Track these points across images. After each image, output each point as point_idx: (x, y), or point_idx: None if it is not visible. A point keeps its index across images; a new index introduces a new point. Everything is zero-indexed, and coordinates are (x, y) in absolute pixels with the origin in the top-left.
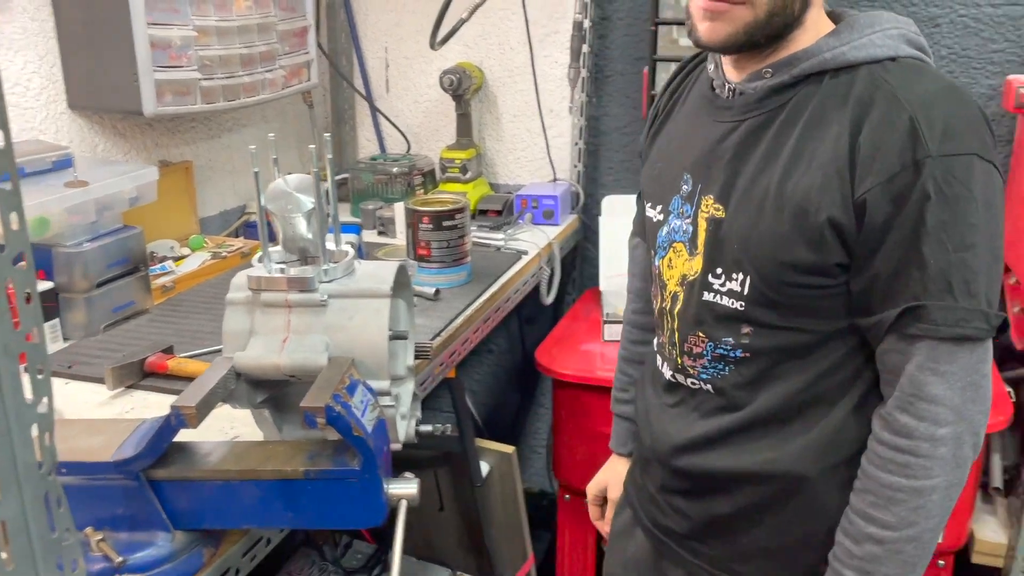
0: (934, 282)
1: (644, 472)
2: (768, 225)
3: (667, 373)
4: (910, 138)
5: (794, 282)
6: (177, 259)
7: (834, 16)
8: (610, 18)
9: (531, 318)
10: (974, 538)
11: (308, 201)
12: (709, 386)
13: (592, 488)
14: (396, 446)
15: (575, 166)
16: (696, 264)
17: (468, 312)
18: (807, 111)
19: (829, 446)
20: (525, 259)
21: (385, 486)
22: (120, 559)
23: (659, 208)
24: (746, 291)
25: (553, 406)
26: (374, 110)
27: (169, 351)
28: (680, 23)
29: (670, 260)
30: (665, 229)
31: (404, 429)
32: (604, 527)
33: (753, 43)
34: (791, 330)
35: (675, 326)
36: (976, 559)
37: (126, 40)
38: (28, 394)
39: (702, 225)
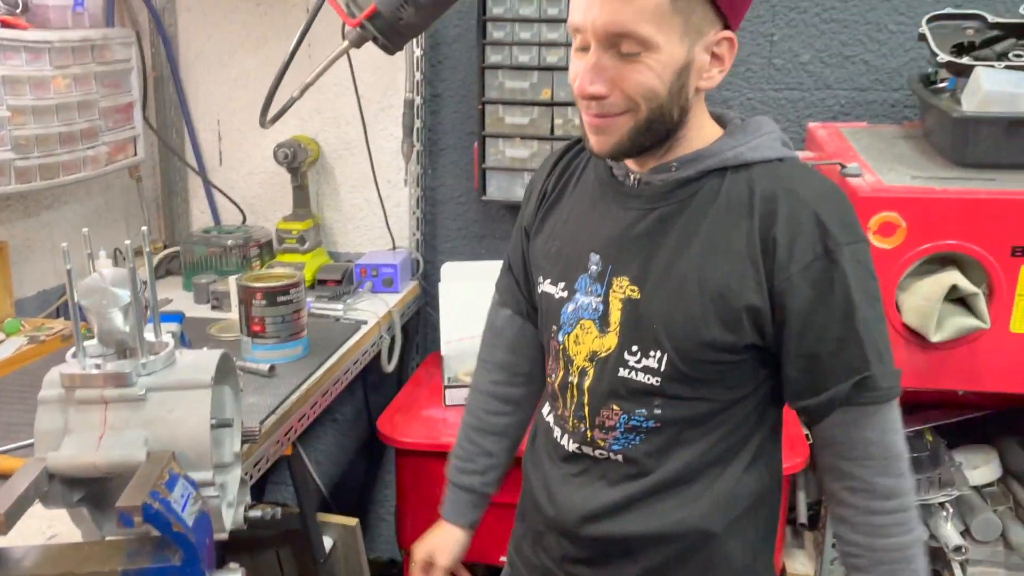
0: (872, 353)
1: (536, 545)
2: (688, 307)
3: (570, 446)
4: (819, 231)
5: (708, 359)
6: None
7: (716, 118)
8: (441, 95)
9: (376, 385)
10: (786, 571)
11: (125, 295)
12: (620, 456)
13: (420, 552)
14: (222, 536)
15: (413, 234)
16: (609, 341)
17: (304, 388)
18: (715, 203)
19: (730, 501)
20: (364, 328)
21: None
22: None
23: (562, 285)
24: (663, 368)
25: (396, 474)
26: (207, 182)
27: None
28: (504, 103)
29: (577, 336)
30: (571, 306)
31: (231, 517)
32: None
33: (639, 148)
34: (698, 400)
35: (584, 400)
36: None
37: None
38: None
39: (615, 304)
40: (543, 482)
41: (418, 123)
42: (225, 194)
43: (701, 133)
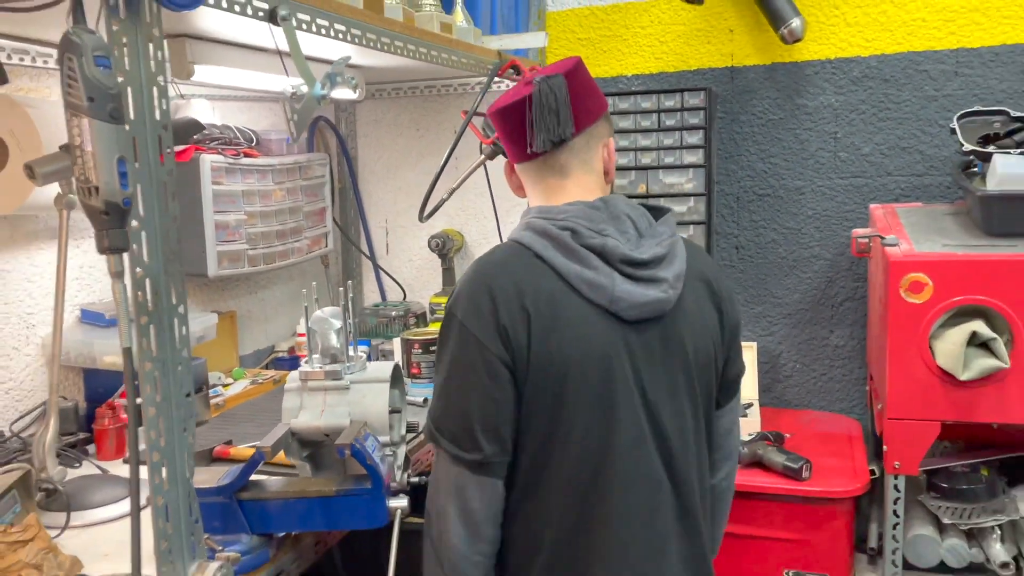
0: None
1: None
2: None
3: None
4: None
5: None
6: (224, 385)
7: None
8: None
9: None
10: None
11: (338, 323)
12: None
13: None
14: (395, 485)
15: None
16: None
17: None
18: None
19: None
20: None
21: (386, 500)
22: (220, 549)
23: None
24: None
25: None
26: (376, 267)
27: (229, 443)
28: None
29: None
30: None
31: (400, 476)
32: None
33: None
34: None
35: None
36: None
37: (198, 224)
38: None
39: None
40: None
41: None
42: (391, 276)
43: None
